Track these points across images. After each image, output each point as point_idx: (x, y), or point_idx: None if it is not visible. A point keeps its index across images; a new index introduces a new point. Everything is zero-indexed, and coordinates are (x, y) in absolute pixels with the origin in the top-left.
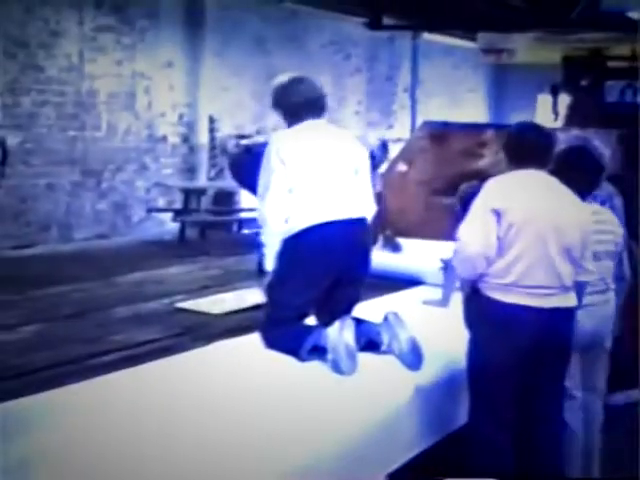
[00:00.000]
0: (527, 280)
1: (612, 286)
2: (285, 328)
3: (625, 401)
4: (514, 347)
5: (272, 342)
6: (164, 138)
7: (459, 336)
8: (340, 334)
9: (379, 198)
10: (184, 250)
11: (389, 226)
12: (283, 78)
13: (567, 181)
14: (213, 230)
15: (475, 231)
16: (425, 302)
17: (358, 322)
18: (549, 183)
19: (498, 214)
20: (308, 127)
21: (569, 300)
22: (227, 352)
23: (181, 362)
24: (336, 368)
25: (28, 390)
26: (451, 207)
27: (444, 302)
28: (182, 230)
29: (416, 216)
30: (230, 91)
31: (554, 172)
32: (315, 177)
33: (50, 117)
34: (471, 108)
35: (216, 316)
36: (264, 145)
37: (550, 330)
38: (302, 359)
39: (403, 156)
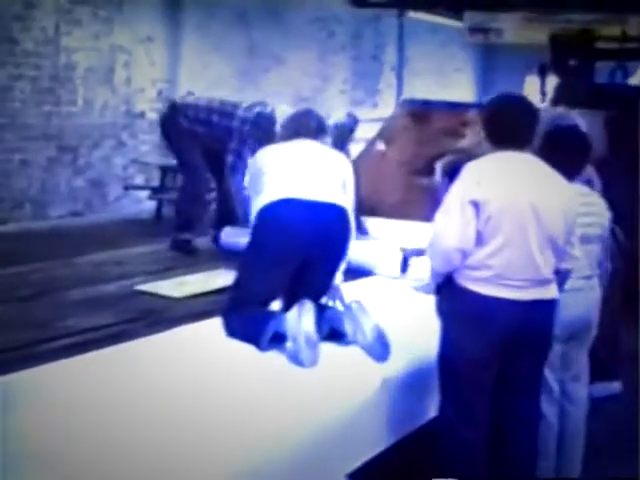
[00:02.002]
0: (506, 273)
1: (597, 271)
2: (246, 314)
3: (606, 393)
4: (489, 340)
5: (232, 330)
6: (142, 114)
7: (428, 326)
8: (299, 321)
9: None
10: (160, 228)
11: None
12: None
13: (553, 162)
14: None
15: (452, 223)
16: (415, 288)
17: (321, 308)
18: (532, 166)
19: (477, 206)
20: (295, 142)
21: (549, 292)
22: (186, 339)
23: (136, 349)
24: (295, 359)
25: None
26: (431, 187)
27: (429, 288)
28: (159, 208)
29: (395, 196)
30: (210, 67)
31: (539, 152)
32: (290, 161)
33: (25, 91)
34: (458, 88)
35: (177, 300)
36: (193, 104)
37: (528, 323)
38: (262, 348)
39: (382, 135)
